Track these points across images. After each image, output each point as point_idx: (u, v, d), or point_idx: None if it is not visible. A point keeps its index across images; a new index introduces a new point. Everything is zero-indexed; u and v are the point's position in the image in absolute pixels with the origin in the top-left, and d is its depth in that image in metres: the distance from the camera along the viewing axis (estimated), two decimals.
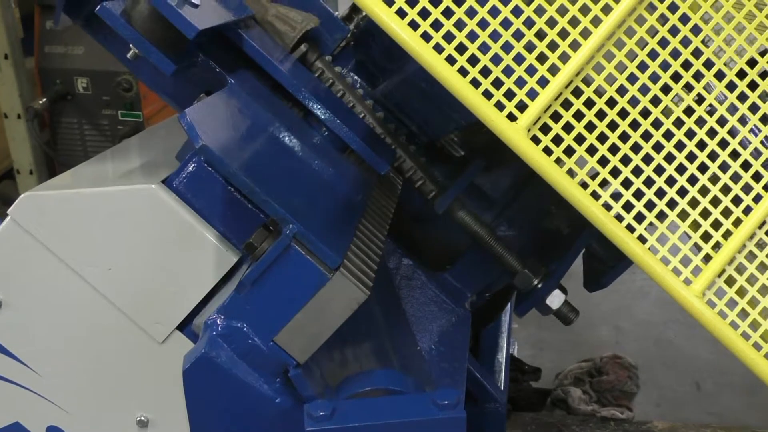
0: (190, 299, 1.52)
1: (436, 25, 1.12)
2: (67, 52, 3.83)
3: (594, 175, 1.17)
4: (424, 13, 1.13)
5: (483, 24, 1.13)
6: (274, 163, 1.43)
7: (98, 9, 1.38)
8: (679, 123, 1.17)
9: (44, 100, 3.77)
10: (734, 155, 1.18)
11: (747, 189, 1.18)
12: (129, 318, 1.53)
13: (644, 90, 1.17)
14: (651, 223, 1.16)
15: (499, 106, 1.14)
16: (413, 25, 1.12)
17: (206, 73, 1.54)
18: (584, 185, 1.16)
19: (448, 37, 1.13)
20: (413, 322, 1.99)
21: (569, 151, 1.16)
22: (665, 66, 1.17)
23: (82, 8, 1.59)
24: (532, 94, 1.14)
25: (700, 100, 1.17)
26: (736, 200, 1.18)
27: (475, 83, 1.14)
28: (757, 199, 1.17)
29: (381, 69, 1.81)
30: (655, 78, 1.16)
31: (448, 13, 1.12)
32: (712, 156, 1.17)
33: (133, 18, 1.40)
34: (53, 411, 1.59)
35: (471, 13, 1.13)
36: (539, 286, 1.83)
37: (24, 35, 3.97)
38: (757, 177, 1.18)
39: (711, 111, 1.18)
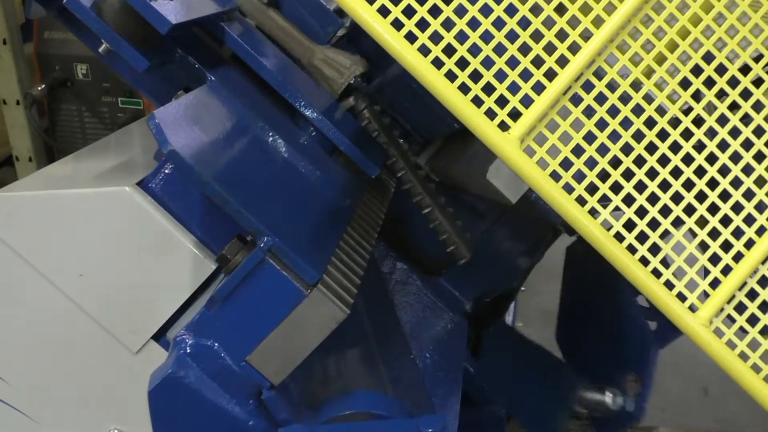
0: (166, 308, 1.45)
1: (422, 26, 1.02)
2: (67, 38, 3.75)
3: (592, 190, 1.07)
4: (409, 12, 1.03)
5: (473, 24, 1.03)
6: (254, 169, 1.34)
7: (67, 1, 1.29)
8: (687, 134, 1.07)
9: (43, 86, 3.70)
10: (747, 170, 1.08)
11: (761, 207, 1.08)
12: (102, 327, 1.46)
13: (649, 98, 1.07)
14: (654, 244, 1.06)
15: (490, 114, 1.04)
16: (396, 24, 1.03)
17: (185, 69, 1.44)
18: (581, 201, 1.06)
19: (435, 38, 1.03)
20: (408, 328, 1.91)
21: (565, 164, 1.06)
22: (673, 71, 1.07)
23: None
24: (526, 101, 1.04)
25: (710, 109, 1.07)
26: (749, 219, 1.08)
27: (464, 89, 1.04)
28: None
29: (374, 64, 1.71)
30: (662, 84, 1.06)
31: (435, 12, 1.02)
32: (723, 171, 1.07)
33: (104, 11, 1.31)
34: (24, 422, 1.53)
35: (460, 12, 1.03)
36: None
37: (24, 20, 3.89)
38: None
39: (722, 121, 1.08)
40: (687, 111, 1.08)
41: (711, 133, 1.07)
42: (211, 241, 1.44)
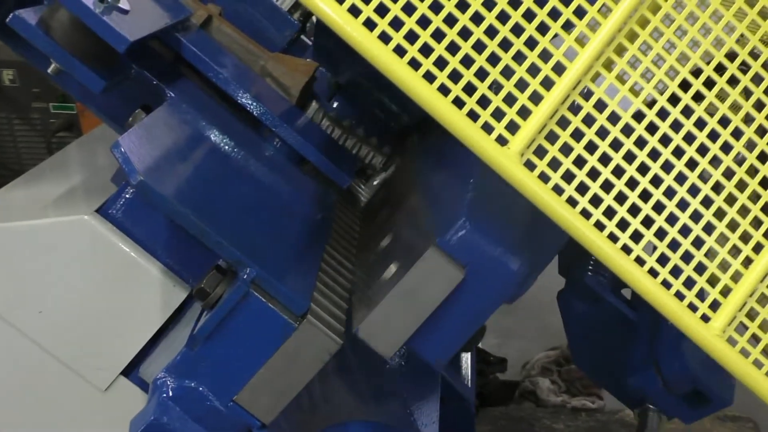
0: (136, 341, 1.37)
1: (411, 38, 0.95)
2: None
3: (595, 202, 1.02)
4: (396, 24, 0.96)
5: (464, 34, 0.97)
6: (226, 191, 1.26)
7: (10, 19, 1.19)
8: (690, 138, 1.02)
9: None
10: (752, 172, 1.03)
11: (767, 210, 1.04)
12: (66, 365, 1.37)
13: (650, 103, 1.01)
14: (663, 254, 1.02)
15: (487, 128, 0.98)
16: (384, 38, 0.95)
17: (142, 85, 1.35)
18: (586, 214, 1.01)
19: (425, 51, 0.96)
20: None
21: (567, 177, 1.00)
22: (673, 74, 1.01)
23: None
24: (524, 113, 0.98)
25: (711, 110, 1.03)
26: (756, 223, 1.04)
27: (458, 102, 0.97)
28: None
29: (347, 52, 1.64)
30: (662, 88, 1.01)
31: (424, 23, 0.95)
32: (728, 174, 1.03)
33: (52, 28, 1.21)
34: None
35: (450, 21, 0.96)
36: None
37: None
38: None
39: (724, 123, 1.03)
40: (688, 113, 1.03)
41: (713, 136, 1.02)
42: (181, 267, 1.37)
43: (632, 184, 1.01)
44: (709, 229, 1.03)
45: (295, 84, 1.55)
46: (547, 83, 0.99)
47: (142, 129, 1.17)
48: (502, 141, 0.98)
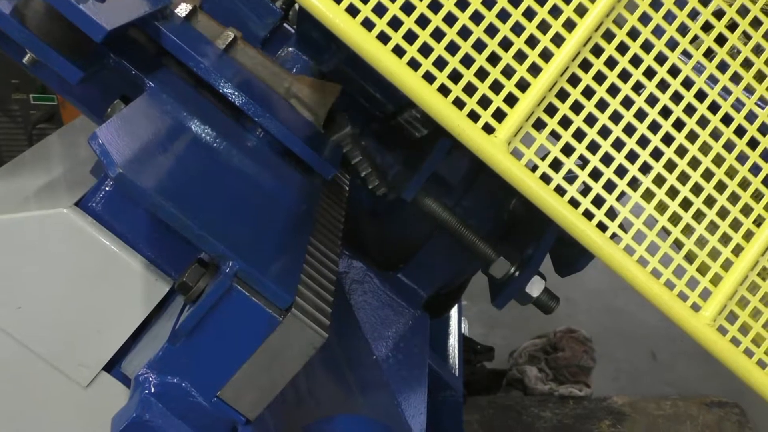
0: (117, 336, 1.33)
1: (396, 25, 0.93)
2: None
3: (584, 190, 1.00)
4: (379, 10, 0.94)
5: (450, 20, 0.94)
6: (206, 183, 1.23)
7: None
8: (679, 125, 1.00)
9: None
10: (741, 159, 1.02)
11: (757, 196, 1.02)
12: (46, 362, 1.34)
13: (637, 87, 1.00)
14: (653, 243, 1.00)
15: (473, 116, 0.96)
16: (367, 24, 0.93)
17: (120, 76, 1.32)
18: (575, 203, 0.99)
19: (410, 38, 0.94)
20: (367, 329, 1.83)
21: (555, 165, 0.99)
22: (661, 59, 1.00)
23: None
24: (511, 102, 0.96)
25: (700, 96, 1.01)
26: (746, 210, 1.02)
27: (444, 90, 0.95)
28: None
29: (330, 39, 1.61)
30: (650, 73, 0.99)
31: (408, 9, 0.93)
32: (718, 161, 1.01)
33: (27, 17, 1.17)
34: None
35: (436, 7, 0.94)
36: (517, 274, 1.68)
37: None
38: None
39: (714, 109, 1.02)
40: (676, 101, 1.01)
41: (703, 122, 1.01)
42: (163, 260, 1.33)
43: (621, 172, 1.00)
44: (699, 216, 1.02)
45: (322, 105, 1.54)
46: (534, 70, 0.97)
47: (121, 120, 1.14)
48: (488, 129, 0.96)
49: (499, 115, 0.97)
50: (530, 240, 1.75)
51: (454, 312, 2.45)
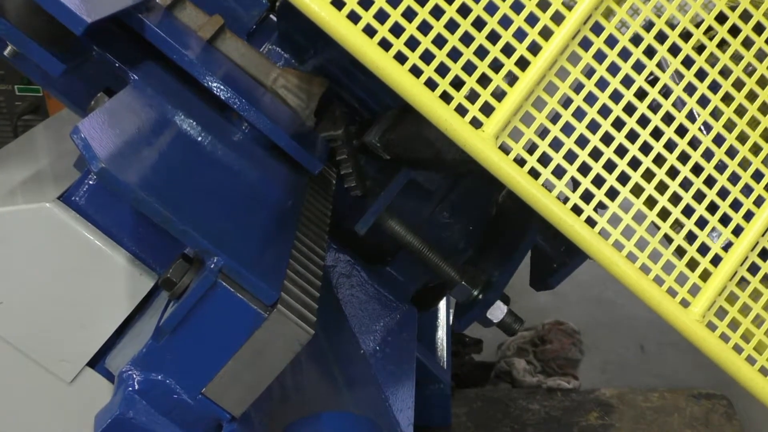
0: (101, 332, 1.32)
1: (381, 17, 0.92)
2: None
3: (572, 186, 0.99)
4: (365, 3, 0.92)
5: (437, 12, 0.93)
6: (191, 178, 1.22)
7: None
8: (668, 119, 0.99)
9: None
10: (731, 153, 1.01)
11: (747, 191, 1.02)
12: (29, 357, 1.32)
13: (627, 82, 0.99)
14: (641, 238, 0.99)
15: (461, 110, 0.95)
16: (353, 17, 0.92)
17: (104, 68, 1.30)
18: (563, 199, 0.98)
19: (396, 31, 0.93)
20: (354, 323, 1.83)
21: (543, 160, 0.98)
22: (650, 52, 0.99)
23: None
24: (500, 96, 0.95)
25: (690, 90, 1.00)
26: (735, 205, 1.01)
27: (431, 84, 0.94)
28: (759, 202, 1.01)
29: (311, 39, 1.59)
30: (639, 67, 0.98)
31: (395, 3, 0.91)
32: (707, 155, 1.01)
33: (6, 9, 1.16)
34: None
35: (422, 0, 0.92)
36: (480, 297, 1.67)
37: None
38: (757, 176, 1.02)
39: (703, 102, 1.01)
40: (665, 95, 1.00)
41: (691, 117, 1.00)
42: (147, 254, 1.32)
43: (610, 166, 0.99)
44: (688, 212, 1.01)
45: (311, 97, 1.52)
46: (522, 63, 0.96)
47: (103, 113, 1.12)
48: (476, 124, 0.95)
49: (487, 110, 0.96)
50: (504, 256, 1.75)
51: (442, 304, 2.44)
